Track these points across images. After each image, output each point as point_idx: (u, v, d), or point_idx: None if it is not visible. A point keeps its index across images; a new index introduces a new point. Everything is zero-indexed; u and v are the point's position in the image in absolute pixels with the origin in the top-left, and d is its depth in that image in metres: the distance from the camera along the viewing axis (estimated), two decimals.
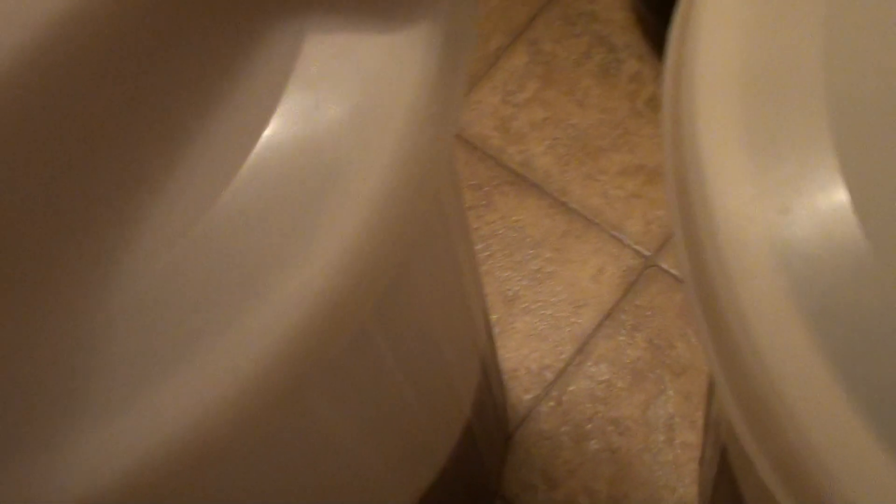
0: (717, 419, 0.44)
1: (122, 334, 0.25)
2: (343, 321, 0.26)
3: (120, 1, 0.26)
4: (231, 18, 0.28)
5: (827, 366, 0.24)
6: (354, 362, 0.33)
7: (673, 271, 0.69)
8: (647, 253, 0.70)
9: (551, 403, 0.66)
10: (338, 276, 0.25)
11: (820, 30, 0.28)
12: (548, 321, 0.68)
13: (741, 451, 0.28)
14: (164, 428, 0.24)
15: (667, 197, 0.29)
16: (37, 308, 0.25)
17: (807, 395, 0.23)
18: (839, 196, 0.25)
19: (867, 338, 0.24)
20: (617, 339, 0.67)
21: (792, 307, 0.24)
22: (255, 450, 0.29)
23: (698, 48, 0.29)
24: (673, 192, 0.29)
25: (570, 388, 0.66)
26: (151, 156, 0.27)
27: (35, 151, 0.26)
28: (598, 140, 0.75)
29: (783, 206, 0.26)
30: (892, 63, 0.27)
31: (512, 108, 0.77)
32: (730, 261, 0.25)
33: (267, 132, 0.27)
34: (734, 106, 0.27)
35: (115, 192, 0.26)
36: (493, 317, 0.68)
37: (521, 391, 0.66)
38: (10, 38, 0.25)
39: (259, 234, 0.26)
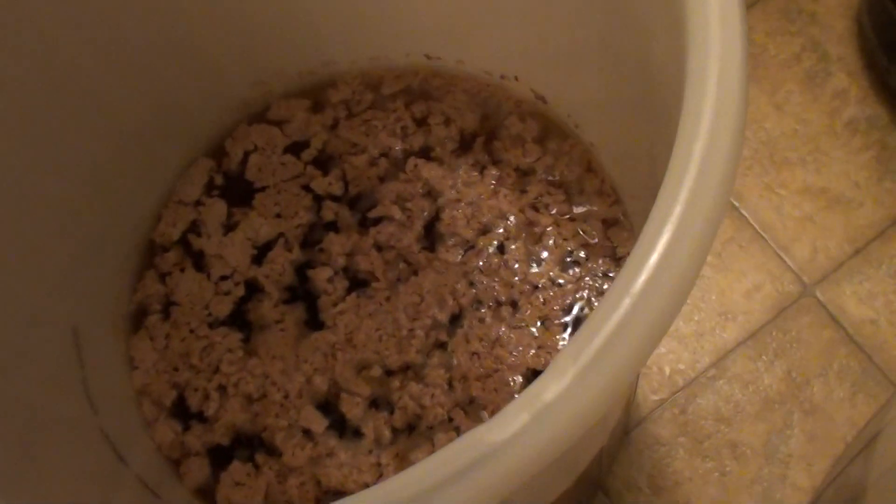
0: (861, 488, 0.44)
1: None
2: None
3: None
4: None
5: None
6: None
7: (828, 306, 0.68)
8: (807, 281, 0.69)
9: (675, 410, 0.65)
10: None
11: None
12: (693, 326, 0.67)
13: None
14: None
15: None
16: None
17: None
18: None
19: None
20: (756, 362, 0.66)
21: None
22: None
23: None
24: None
25: (698, 400, 0.66)
26: None
27: None
28: (787, 151, 0.73)
29: None
30: None
31: None
32: None
33: None
34: None
35: None
36: None
37: (648, 390, 0.66)
38: None
39: None
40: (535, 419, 0.25)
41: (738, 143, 0.28)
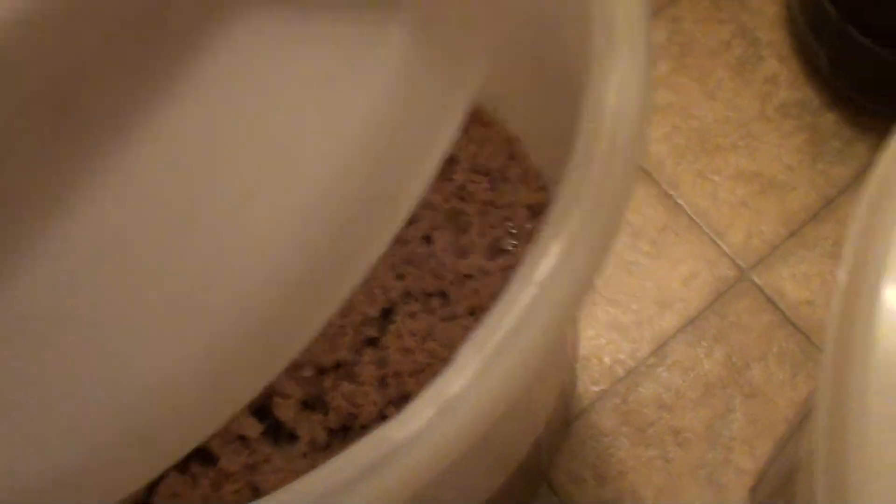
0: (795, 467, 0.44)
1: None
2: None
3: None
4: None
5: None
6: None
7: (766, 290, 0.68)
8: (743, 265, 0.69)
9: (616, 400, 0.65)
10: None
11: None
12: (631, 316, 0.68)
13: None
14: None
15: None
16: None
17: None
18: None
19: None
20: (695, 348, 0.67)
21: None
22: None
23: None
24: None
25: (639, 389, 0.66)
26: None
27: None
28: (718, 137, 0.73)
29: None
30: None
31: None
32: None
33: None
34: None
35: None
36: None
37: (589, 381, 0.66)
38: None
39: None
40: (440, 414, 0.24)
41: (638, 140, 0.28)
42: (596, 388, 0.66)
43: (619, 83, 0.29)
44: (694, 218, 0.70)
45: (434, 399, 0.24)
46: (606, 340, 0.67)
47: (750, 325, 0.67)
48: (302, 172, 0.25)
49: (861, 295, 0.25)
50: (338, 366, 0.51)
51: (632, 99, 0.28)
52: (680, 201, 0.71)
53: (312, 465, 0.48)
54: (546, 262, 0.25)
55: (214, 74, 0.26)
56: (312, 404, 0.51)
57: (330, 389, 0.51)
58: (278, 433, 0.51)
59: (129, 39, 0.25)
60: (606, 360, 0.67)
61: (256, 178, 0.25)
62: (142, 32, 0.25)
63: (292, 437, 0.51)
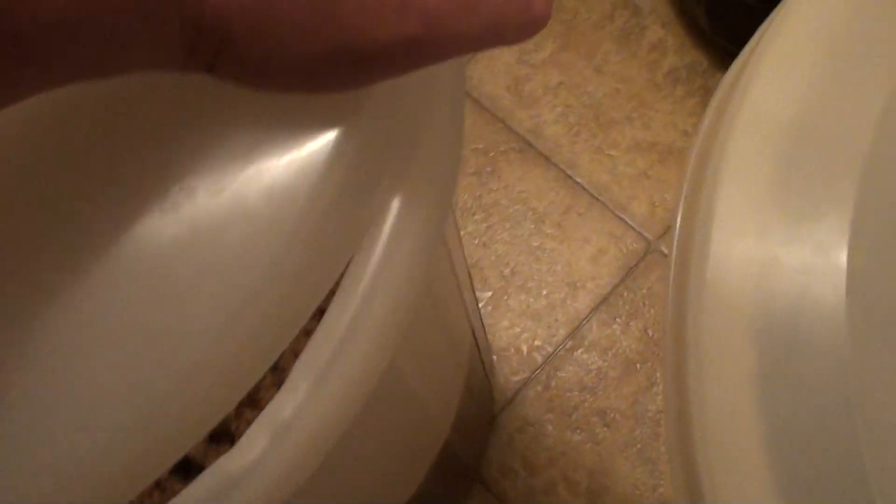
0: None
1: None
2: None
3: None
4: None
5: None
6: None
7: None
8: (650, 237, 0.68)
9: (539, 388, 0.65)
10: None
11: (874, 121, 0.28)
12: (543, 301, 0.67)
13: None
14: None
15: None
16: None
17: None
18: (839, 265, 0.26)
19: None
20: (612, 326, 0.66)
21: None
22: None
23: (752, 92, 0.29)
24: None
25: (560, 374, 0.65)
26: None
27: None
28: (612, 111, 0.72)
29: (781, 259, 0.26)
30: None
31: (527, 68, 0.74)
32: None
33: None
34: (768, 156, 0.28)
35: None
36: (488, 293, 0.67)
37: (509, 372, 0.65)
38: None
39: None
40: (275, 441, 0.23)
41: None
42: (517, 378, 0.65)
43: None
44: (596, 195, 0.70)
45: (267, 425, 0.23)
46: (522, 329, 0.66)
47: (663, 296, 0.67)
48: (193, 322, 0.24)
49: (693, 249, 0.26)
50: None
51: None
52: (580, 180, 0.70)
53: None
54: (365, 279, 0.24)
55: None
56: (218, 437, 0.50)
57: (234, 419, 0.50)
58: (189, 469, 0.50)
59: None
60: (524, 348, 0.66)
61: (149, 331, 0.24)
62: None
63: (202, 470, 0.49)
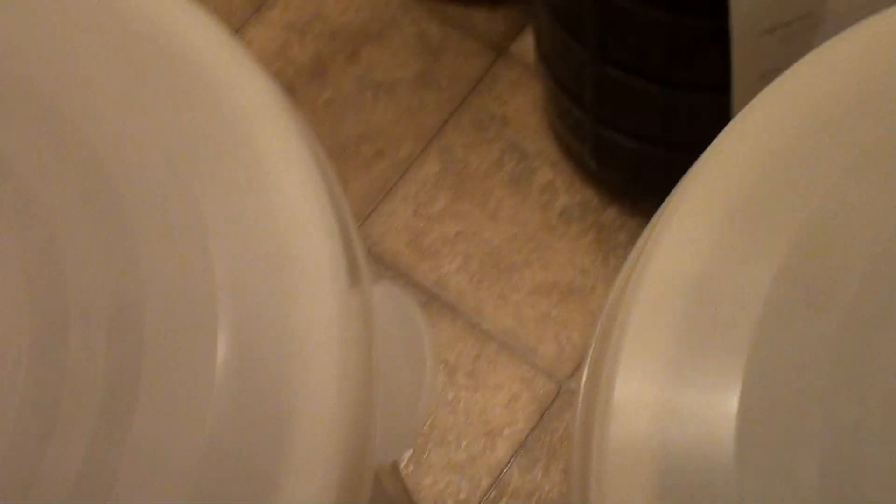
0: None
1: None
2: None
3: None
4: None
5: None
6: None
7: None
8: (560, 377, 0.70)
9: None
10: None
11: (762, 295, 0.30)
12: (463, 453, 0.68)
13: None
14: None
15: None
16: None
17: None
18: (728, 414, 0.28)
19: None
20: (532, 471, 0.67)
21: None
22: None
23: (653, 263, 0.32)
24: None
25: None
26: None
27: None
28: (511, 256, 0.74)
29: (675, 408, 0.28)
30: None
31: (424, 221, 0.76)
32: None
33: None
34: (668, 318, 0.30)
35: None
36: (408, 452, 0.67)
37: None
38: None
39: None
40: None
41: None
42: None
43: None
44: (503, 341, 0.71)
45: None
46: (445, 483, 0.67)
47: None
48: None
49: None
50: None
51: None
52: (487, 327, 0.72)
53: None
54: None
55: None
56: None
57: None
58: None
59: None
60: (449, 502, 0.66)
61: None
62: None
63: None
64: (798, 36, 0.52)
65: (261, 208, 0.31)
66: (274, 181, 0.31)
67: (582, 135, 0.72)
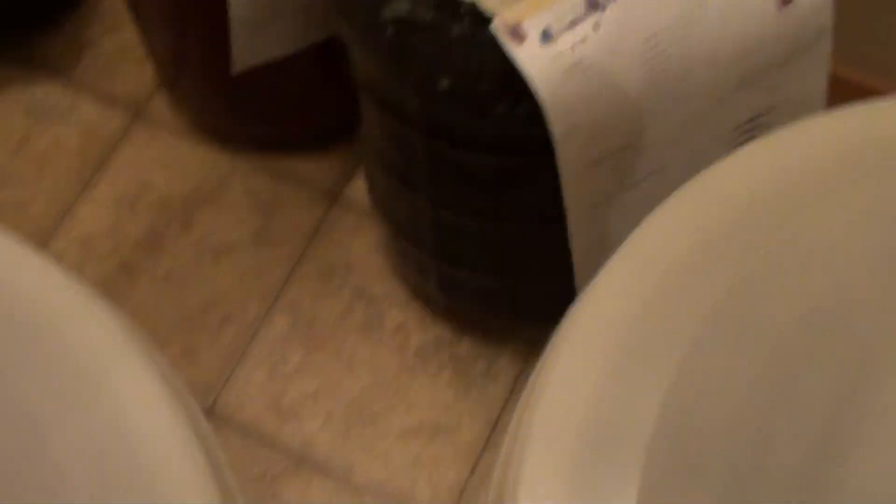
0: None
1: None
2: None
3: None
4: None
5: None
6: None
7: None
8: None
9: None
10: None
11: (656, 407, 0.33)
12: None
13: None
14: None
15: None
16: None
17: None
18: None
19: None
20: None
21: None
22: None
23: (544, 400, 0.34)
24: None
25: None
26: None
27: None
28: (373, 404, 0.74)
29: None
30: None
31: (281, 381, 0.75)
32: None
33: None
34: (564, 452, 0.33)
35: None
36: None
37: None
38: None
39: None
40: None
41: None
42: None
43: None
44: (378, 492, 0.70)
45: None
46: None
47: None
48: None
49: None
50: None
51: None
52: (360, 482, 0.71)
53: None
54: None
55: None
56: None
57: None
58: None
59: None
60: None
61: None
62: None
63: None
64: (622, 165, 0.54)
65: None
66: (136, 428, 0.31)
67: (426, 274, 0.72)
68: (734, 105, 0.55)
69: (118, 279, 0.79)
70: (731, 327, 0.35)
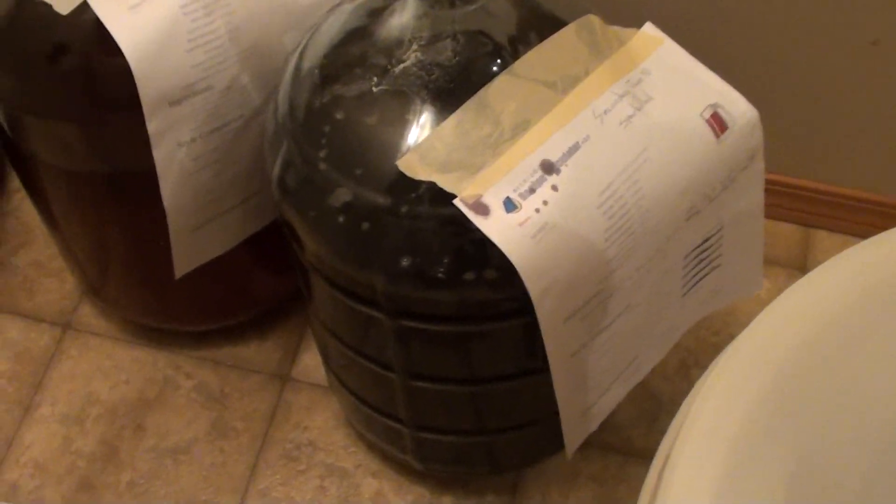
0: None
1: None
2: None
3: None
4: None
5: None
6: None
7: None
8: None
9: None
10: None
11: None
12: None
13: None
14: None
15: None
16: None
17: None
18: None
19: None
20: None
21: None
22: None
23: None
24: None
25: None
26: None
27: None
28: None
29: None
30: None
31: None
32: None
33: None
34: None
35: None
36: None
37: None
38: None
39: None
40: None
41: None
42: None
43: None
44: None
45: None
46: None
47: None
48: None
49: None
50: None
51: None
52: None
53: None
54: None
55: None
56: None
57: None
58: None
59: None
60: None
61: None
62: None
63: None
64: (595, 312, 0.55)
65: None
66: None
67: (401, 442, 0.72)
68: (687, 234, 0.57)
69: (80, 498, 0.77)
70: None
